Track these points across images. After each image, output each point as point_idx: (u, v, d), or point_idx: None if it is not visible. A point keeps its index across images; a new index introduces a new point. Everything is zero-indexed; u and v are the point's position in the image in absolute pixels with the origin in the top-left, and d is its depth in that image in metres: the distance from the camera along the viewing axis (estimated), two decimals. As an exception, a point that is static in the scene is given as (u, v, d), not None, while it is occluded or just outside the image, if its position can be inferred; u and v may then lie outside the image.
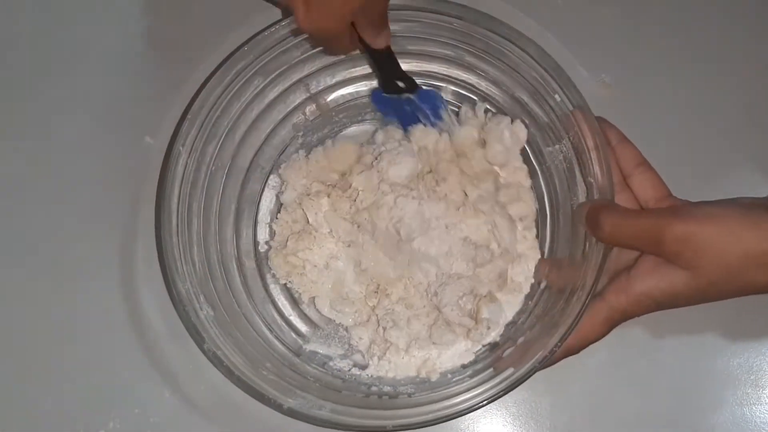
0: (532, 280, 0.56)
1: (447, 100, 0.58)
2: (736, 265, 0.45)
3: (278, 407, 0.48)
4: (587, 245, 0.50)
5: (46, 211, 0.58)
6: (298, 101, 0.57)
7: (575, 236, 0.52)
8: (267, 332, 0.55)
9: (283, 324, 0.57)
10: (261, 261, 0.58)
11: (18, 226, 0.58)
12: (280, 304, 0.57)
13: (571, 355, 0.51)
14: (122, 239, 0.58)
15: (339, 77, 0.58)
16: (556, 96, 0.52)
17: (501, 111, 0.57)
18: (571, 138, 0.52)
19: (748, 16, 0.62)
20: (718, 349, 0.57)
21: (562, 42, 0.59)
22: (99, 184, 0.59)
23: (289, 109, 0.57)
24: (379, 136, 0.57)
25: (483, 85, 0.57)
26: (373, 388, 0.54)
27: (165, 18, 0.61)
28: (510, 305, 0.55)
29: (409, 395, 0.53)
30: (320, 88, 0.58)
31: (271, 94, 0.56)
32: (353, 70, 0.58)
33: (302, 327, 0.57)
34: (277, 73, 0.55)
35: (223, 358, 0.49)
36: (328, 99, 0.59)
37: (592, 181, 0.51)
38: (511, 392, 0.49)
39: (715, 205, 0.47)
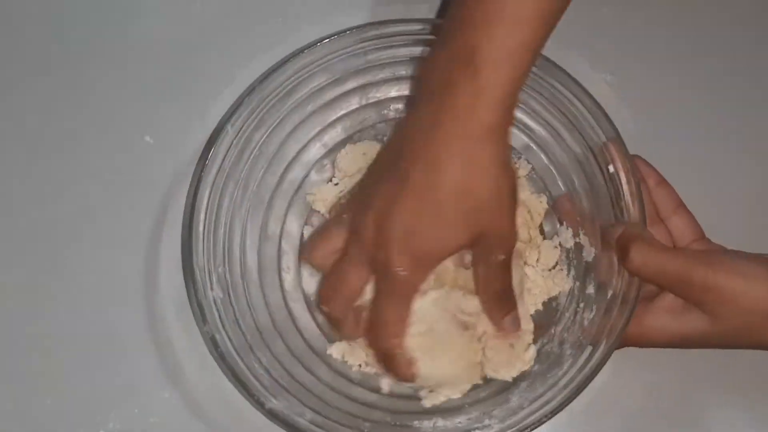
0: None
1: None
2: (758, 323, 0.47)
3: (260, 406, 0.48)
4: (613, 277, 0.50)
5: (44, 210, 0.58)
6: (354, 107, 0.57)
7: (605, 261, 0.51)
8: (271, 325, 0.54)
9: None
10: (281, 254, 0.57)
11: (17, 224, 0.58)
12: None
13: None
14: (121, 239, 0.57)
15: (402, 91, 0.57)
16: (590, 131, 0.51)
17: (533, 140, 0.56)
18: (604, 168, 0.51)
19: (752, 15, 0.61)
20: (719, 349, 0.53)
21: (563, 42, 0.56)
22: (98, 184, 0.58)
23: (343, 112, 0.57)
24: None
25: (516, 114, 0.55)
26: None
27: (167, 18, 0.61)
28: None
29: None
30: (379, 97, 0.57)
31: (329, 95, 0.56)
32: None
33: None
34: (340, 75, 0.55)
35: (219, 343, 0.49)
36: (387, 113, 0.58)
37: (623, 207, 0.51)
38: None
39: (744, 258, 0.48)
